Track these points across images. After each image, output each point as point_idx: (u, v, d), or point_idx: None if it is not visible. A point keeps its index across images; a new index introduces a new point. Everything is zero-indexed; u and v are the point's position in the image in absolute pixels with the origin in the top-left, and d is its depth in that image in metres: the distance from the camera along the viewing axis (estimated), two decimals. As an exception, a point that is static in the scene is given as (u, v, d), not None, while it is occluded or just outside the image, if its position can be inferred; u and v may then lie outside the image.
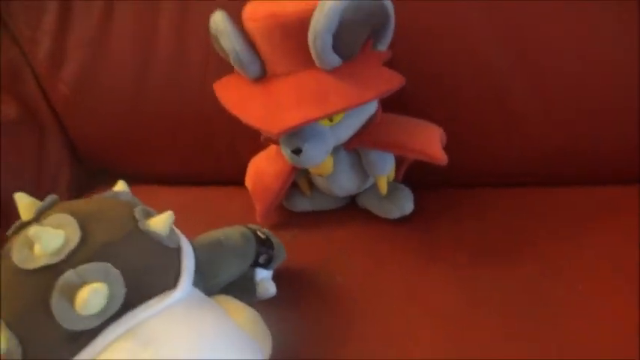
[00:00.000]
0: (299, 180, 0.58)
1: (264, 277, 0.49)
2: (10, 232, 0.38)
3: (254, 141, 0.64)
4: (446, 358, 0.42)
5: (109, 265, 0.34)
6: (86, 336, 0.33)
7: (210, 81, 0.65)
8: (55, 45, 0.68)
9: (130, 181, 0.45)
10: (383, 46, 0.48)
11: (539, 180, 0.57)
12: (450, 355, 0.42)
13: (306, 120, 0.43)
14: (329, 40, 0.42)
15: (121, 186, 0.43)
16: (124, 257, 0.35)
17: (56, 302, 0.32)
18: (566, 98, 0.52)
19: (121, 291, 0.34)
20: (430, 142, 0.48)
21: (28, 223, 0.37)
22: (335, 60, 0.44)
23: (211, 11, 0.62)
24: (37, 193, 0.68)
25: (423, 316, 0.46)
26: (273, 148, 0.59)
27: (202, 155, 0.69)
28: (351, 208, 0.59)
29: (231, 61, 0.47)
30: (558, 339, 0.41)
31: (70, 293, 0.33)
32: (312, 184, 0.59)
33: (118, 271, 0.34)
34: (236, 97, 0.50)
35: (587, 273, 0.45)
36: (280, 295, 0.48)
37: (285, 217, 0.60)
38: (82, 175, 0.76)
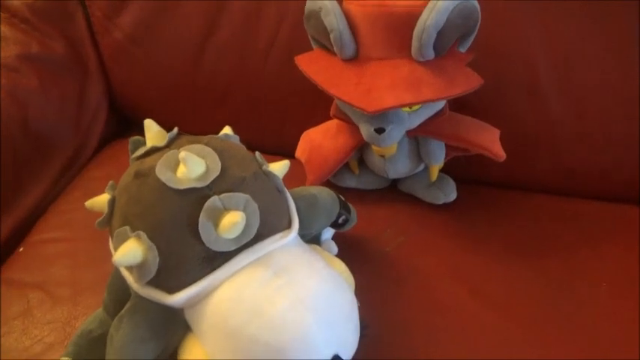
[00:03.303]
0: (350, 159, 0.63)
1: (327, 237, 0.53)
2: (139, 153, 0.40)
3: (302, 116, 0.69)
4: (484, 328, 0.49)
5: (249, 197, 0.37)
6: (221, 258, 0.37)
7: (274, 56, 0.70)
8: (118, -10, 0.69)
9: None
10: (464, 48, 0.54)
11: (564, 190, 0.64)
12: (493, 328, 0.48)
13: (401, 103, 0.49)
14: (433, 36, 0.48)
15: (228, 130, 0.45)
16: (255, 192, 0.38)
17: (203, 222, 0.35)
18: (599, 117, 0.60)
19: (256, 222, 0.37)
20: (493, 140, 0.55)
21: (159, 149, 0.39)
22: (430, 54, 0.50)
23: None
24: (75, 133, 0.70)
25: (466, 292, 0.52)
26: (333, 124, 0.63)
27: (247, 124, 0.72)
28: (393, 191, 0.65)
29: (332, 39, 0.51)
30: (585, 325, 0.49)
31: (215, 217, 0.36)
32: (360, 164, 0.64)
33: (256, 204, 0.37)
34: (325, 73, 0.54)
35: (610, 275, 0.53)
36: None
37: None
38: (114, 122, 0.76)
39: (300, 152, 0.64)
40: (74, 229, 0.60)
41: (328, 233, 0.53)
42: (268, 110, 0.71)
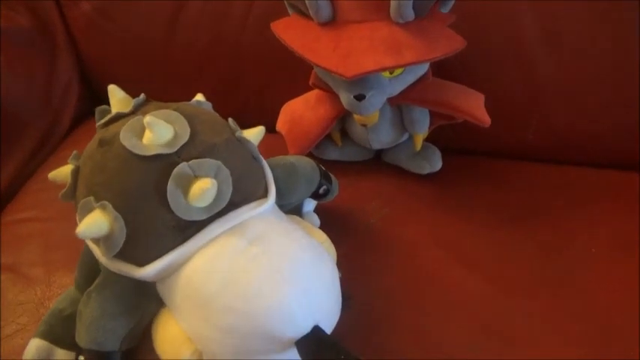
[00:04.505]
0: (332, 130, 0.61)
1: (309, 209, 0.52)
2: (103, 120, 0.38)
3: (283, 88, 0.67)
4: (472, 295, 0.48)
5: (220, 163, 0.35)
6: (193, 228, 0.35)
7: (251, 25, 0.67)
8: (83, -41, 0.65)
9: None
10: (446, 10, 0.52)
11: (554, 158, 0.63)
12: (480, 295, 0.48)
13: (381, 67, 0.46)
14: (413, -5, 0.46)
15: (200, 97, 0.43)
16: (228, 159, 0.36)
17: (172, 190, 0.34)
18: (587, 84, 0.58)
19: (229, 189, 0.36)
20: (477, 105, 0.54)
21: (125, 116, 0.37)
22: (410, 15, 0.47)
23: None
24: (46, 109, 0.67)
25: (454, 261, 0.51)
26: (312, 95, 0.61)
27: (226, 97, 0.69)
28: (377, 162, 0.63)
29: (307, 2, 0.49)
30: (573, 291, 0.48)
31: (184, 184, 0.34)
32: (343, 135, 0.62)
33: (228, 170, 0.35)
34: (301, 38, 0.51)
35: (600, 241, 0.52)
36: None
37: (313, 163, 0.63)
38: (88, 100, 0.73)
39: (280, 124, 0.62)
40: (47, 209, 0.58)
41: (310, 205, 0.52)
42: (247, 82, 0.68)
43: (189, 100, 0.70)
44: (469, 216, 0.55)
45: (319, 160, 0.62)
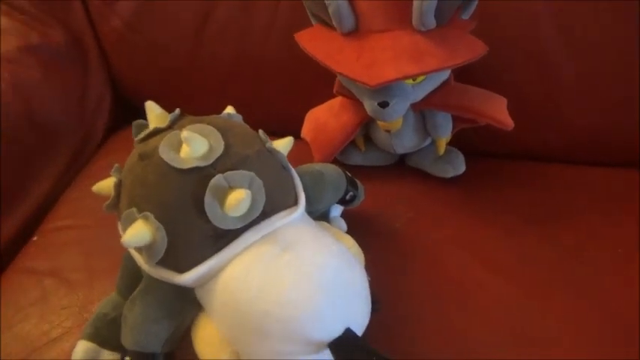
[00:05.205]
0: (356, 135, 0.62)
1: (336, 214, 0.53)
2: (142, 135, 0.40)
3: (307, 95, 0.68)
4: (496, 298, 0.49)
5: (254, 174, 0.37)
6: (229, 236, 0.37)
7: (275, 34, 0.69)
8: (114, -25, 0.68)
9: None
10: (466, 16, 0.53)
11: (575, 158, 0.63)
12: (506, 299, 0.48)
13: (404, 75, 0.48)
14: (434, 4, 0.47)
15: (231, 109, 0.45)
16: (260, 170, 0.38)
17: (209, 201, 0.35)
18: (609, 82, 0.59)
19: (262, 199, 0.37)
20: (500, 109, 0.54)
21: (162, 130, 0.39)
22: (432, 23, 0.49)
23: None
24: (80, 122, 0.70)
25: (478, 264, 0.52)
26: (336, 102, 0.62)
27: (251, 105, 0.71)
28: (400, 166, 0.64)
29: (330, 12, 0.50)
30: (598, 292, 0.48)
31: (220, 195, 0.36)
32: (367, 140, 0.64)
33: (261, 181, 0.37)
34: (326, 48, 0.53)
35: (624, 241, 0.52)
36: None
37: (338, 168, 0.64)
38: (120, 110, 0.76)
39: (305, 131, 0.64)
40: (86, 216, 0.60)
41: (337, 211, 0.53)
42: (272, 90, 0.70)
43: (217, 107, 0.73)
44: (493, 219, 0.56)
45: (343, 165, 0.64)
